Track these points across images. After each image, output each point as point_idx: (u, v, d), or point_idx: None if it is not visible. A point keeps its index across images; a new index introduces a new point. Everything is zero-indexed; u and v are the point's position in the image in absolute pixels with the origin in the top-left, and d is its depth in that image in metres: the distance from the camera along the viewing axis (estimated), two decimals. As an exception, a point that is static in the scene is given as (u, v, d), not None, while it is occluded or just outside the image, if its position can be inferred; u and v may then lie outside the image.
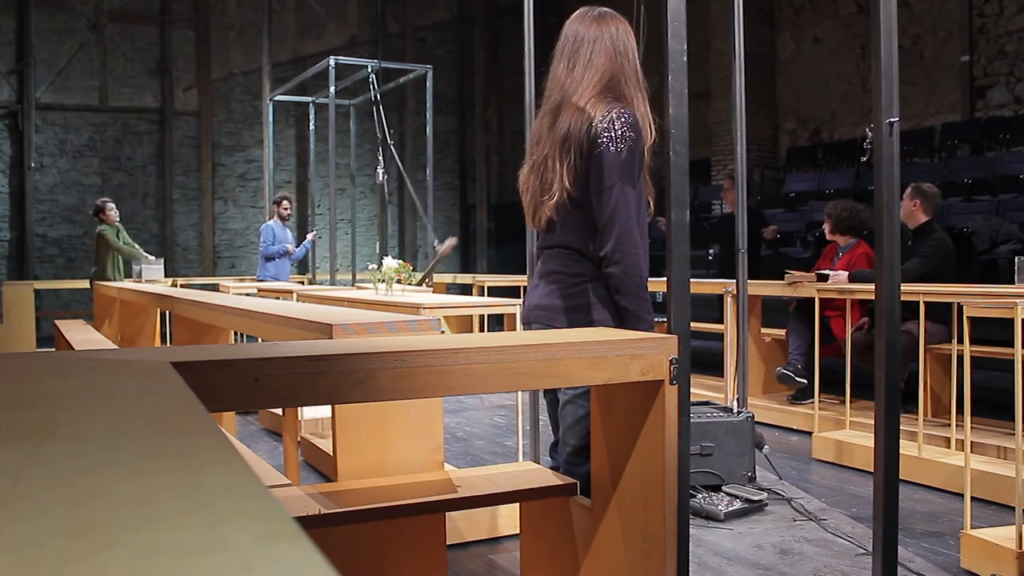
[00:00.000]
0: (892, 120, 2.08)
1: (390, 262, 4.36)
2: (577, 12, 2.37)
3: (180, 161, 12.54)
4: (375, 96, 7.44)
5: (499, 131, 14.42)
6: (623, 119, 2.18)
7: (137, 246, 8.27)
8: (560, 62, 2.33)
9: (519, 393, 3.82)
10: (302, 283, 9.27)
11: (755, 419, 3.85)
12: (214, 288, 7.58)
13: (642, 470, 1.76)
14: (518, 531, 2.54)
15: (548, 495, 2.24)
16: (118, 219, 8.19)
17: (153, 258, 7.90)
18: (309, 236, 8.73)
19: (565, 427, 2.33)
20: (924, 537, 3.22)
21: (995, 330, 4.24)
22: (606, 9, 2.37)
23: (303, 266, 11.73)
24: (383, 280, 4.42)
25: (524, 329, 2.41)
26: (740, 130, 4.15)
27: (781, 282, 5.23)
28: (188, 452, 0.59)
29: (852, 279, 4.88)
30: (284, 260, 8.00)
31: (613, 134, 2.17)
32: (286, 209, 8.03)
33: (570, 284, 2.29)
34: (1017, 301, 2.77)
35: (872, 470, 2.18)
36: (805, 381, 5.07)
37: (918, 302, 3.96)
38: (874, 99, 2.12)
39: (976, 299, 3.38)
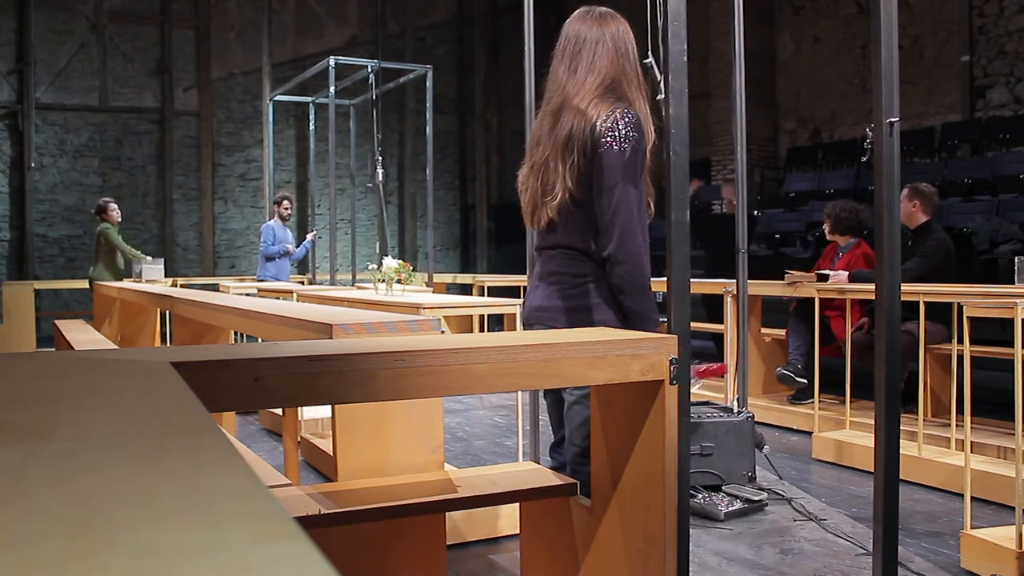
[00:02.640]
0: (892, 120, 2.08)
1: (390, 262, 4.37)
2: (577, 12, 2.37)
3: (180, 161, 12.54)
4: (373, 96, 7.44)
5: (499, 131, 14.42)
6: (627, 119, 2.18)
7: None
8: (561, 63, 2.33)
9: (519, 393, 3.82)
10: (302, 283, 9.27)
11: (755, 419, 3.85)
12: (214, 288, 7.58)
13: (642, 470, 1.76)
14: (518, 531, 2.54)
15: (548, 495, 2.24)
16: (119, 219, 8.20)
17: (151, 259, 7.90)
18: (309, 236, 8.73)
19: (572, 428, 2.33)
20: (924, 537, 3.22)
21: (995, 330, 4.24)
22: (606, 9, 2.37)
23: (303, 266, 11.73)
24: (383, 280, 4.42)
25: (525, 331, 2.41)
26: (740, 130, 4.15)
27: (781, 282, 5.23)
28: (188, 452, 0.59)
29: (852, 279, 4.88)
30: (284, 260, 8.01)
31: (617, 134, 2.17)
32: (287, 209, 8.04)
33: (572, 285, 2.29)
34: (1017, 301, 2.77)
35: (872, 470, 2.18)
36: (805, 381, 5.07)
37: (918, 302, 3.96)
38: (874, 99, 2.12)
39: (976, 299, 3.38)
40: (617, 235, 2.17)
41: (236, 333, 4.64)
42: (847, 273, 4.97)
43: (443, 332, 2.59)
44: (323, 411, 4.50)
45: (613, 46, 2.29)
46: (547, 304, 2.32)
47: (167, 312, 5.56)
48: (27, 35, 11.64)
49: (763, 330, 5.85)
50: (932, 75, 9.18)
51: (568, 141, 2.22)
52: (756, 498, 3.50)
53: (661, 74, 2.07)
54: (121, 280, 7.62)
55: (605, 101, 2.23)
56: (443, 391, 1.51)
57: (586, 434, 2.26)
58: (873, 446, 2.16)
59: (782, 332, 5.56)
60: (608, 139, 2.17)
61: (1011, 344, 2.87)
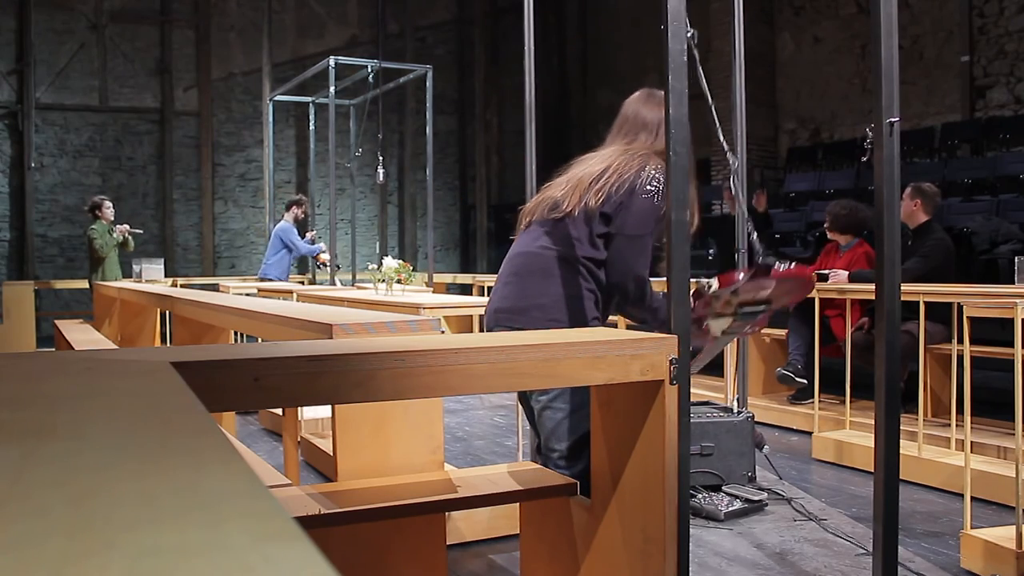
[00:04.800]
0: (892, 120, 2.08)
1: (390, 262, 4.37)
2: (640, 93, 2.49)
3: (180, 161, 12.54)
4: (374, 95, 7.45)
5: (499, 131, 14.41)
6: None
7: (114, 235, 8.12)
8: (617, 136, 2.45)
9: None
10: (302, 283, 9.27)
11: (755, 419, 3.85)
12: (214, 288, 7.58)
13: (642, 470, 1.76)
14: (518, 531, 2.54)
15: (548, 495, 2.24)
16: (113, 217, 8.20)
17: (127, 226, 8.06)
18: (309, 235, 8.75)
19: (546, 434, 2.35)
20: (924, 537, 3.22)
21: (995, 330, 4.23)
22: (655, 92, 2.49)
23: (303, 266, 11.73)
24: (383, 280, 4.42)
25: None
26: (740, 130, 4.15)
27: (781, 282, 5.22)
28: (188, 452, 0.59)
29: (852, 279, 4.88)
30: (286, 260, 8.01)
31: (661, 187, 2.26)
32: (304, 212, 8.09)
33: (528, 283, 2.32)
34: (1017, 301, 2.76)
35: (872, 470, 2.18)
36: (805, 381, 5.07)
37: (918, 302, 3.96)
38: (874, 99, 2.12)
39: (976, 299, 3.38)
40: (635, 284, 2.31)
41: (236, 333, 4.64)
42: (847, 273, 4.97)
43: (443, 332, 2.59)
44: (323, 411, 4.50)
45: (658, 126, 2.37)
46: (505, 306, 2.36)
47: (167, 312, 5.56)
48: (27, 35, 11.64)
49: (763, 330, 5.85)
50: (932, 75, 9.17)
51: (606, 169, 2.31)
52: (756, 498, 3.50)
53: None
54: (119, 280, 7.62)
55: (655, 157, 2.33)
56: (443, 391, 1.51)
57: (561, 437, 2.29)
58: (873, 446, 2.16)
59: (782, 332, 5.56)
60: (652, 188, 2.27)
61: (1011, 344, 2.87)
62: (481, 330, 4.39)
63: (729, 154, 2.36)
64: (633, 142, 2.39)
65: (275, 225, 8.26)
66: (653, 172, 2.27)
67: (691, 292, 2.18)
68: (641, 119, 2.41)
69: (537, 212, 2.39)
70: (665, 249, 1.95)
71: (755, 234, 2.31)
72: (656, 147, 2.35)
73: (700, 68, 2.28)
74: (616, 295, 2.35)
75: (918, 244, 4.80)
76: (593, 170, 2.32)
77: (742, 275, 2.22)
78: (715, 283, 2.22)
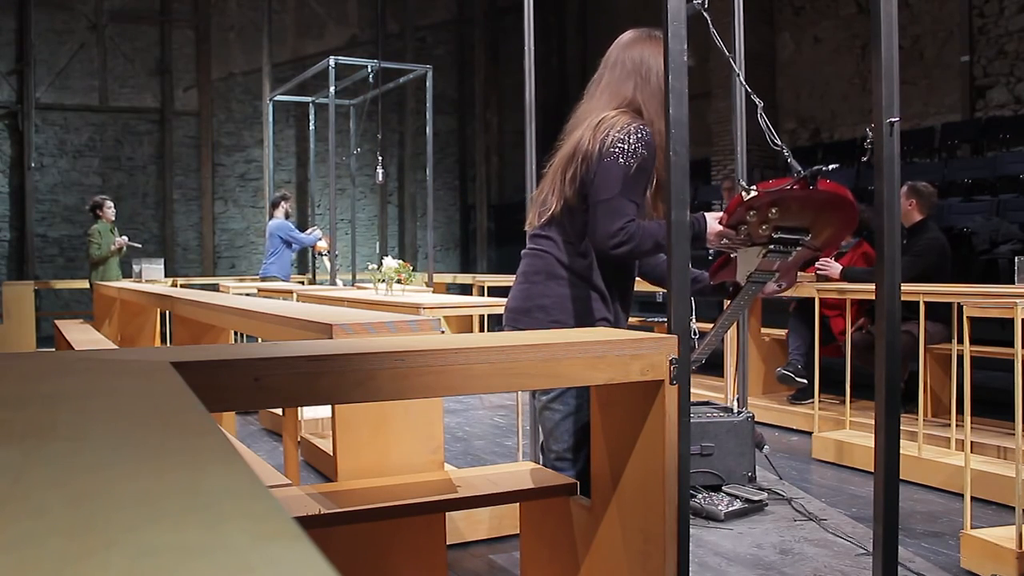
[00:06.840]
0: (892, 120, 2.07)
1: (390, 262, 4.37)
2: (625, 35, 2.40)
3: (180, 161, 12.54)
4: (374, 95, 7.45)
5: (499, 131, 14.41)
6: (639, 135, 2.16)
7: (112, 236, 8.13)
8: (588, 90, 2.37)
9: (519, 393, 3.82)
10: (302, 283, 9.28)
11: (755, 419, 3.85)
12: (214, 288, 7.58)
13: (642, 470, 1.76)
14: (518, 531, 2.54)
15: (548, 495, 2.24)
16: (114, 217, 8.20)
17: (126, 239, 8.13)
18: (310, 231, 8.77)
19: (546, 433, 2.35)
20: (924, 537, 3.22)
21: (995, 330, 4.23)
22: (640, 32, 2.37)
23: (303, 266, 11.73)
24: (383, 280, 4.42)
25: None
26: (740, 130, 4.15)
27: (781, 282, 5.22)
28: (188, 452, 0.59)
29: (845, 275, 4.88)
30: (286, 258, 8.01)
31: (627, 147, 2.15)
32: (290, 206, 8.18)
33: (532, 283, 2.32)
34: (1017, 301, 2.77)
35: (872, 470, 2.18)
36: (805, 381, 5.07)
37: (918, 302, 3.96)
38: (874, 99, 2.12)
39: (976, 299, 3.38)
40: (612, 247, 2.17)
41: (236, 333, 4.64)
42: (841, 268, 4.97)
43: (443, 332, 2.59)
44: (323, 411, 4.50)
45: (632, 68, 2.28)
46: (512, 305, 2.36)
47: (167, 312, 5.56)
48: (27, 35, 11.64)
49: (763, 330, 5.85)
50: (932, 75, 9.17)
51: (575, 151, 2.21)
52: (756, 498, 3.50)
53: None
54: (119, 280, 7.62)
55: (624, 115, 2.22)
56: (443, 391, 1.50)
57: (561, 438, 2.28)
58: (873, 446, 2.16)
59: (782, 332, 5.56)
60: (616, 151, 2.15)
61: (1011, 344, 2.87)
62: (481, 329, 4.40)
63: (754, 96, 2.29)
64: (594, 95, 2.30)
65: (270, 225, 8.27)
66: (616, 134, 2.16)
67: (732, 197, 2.05)
68: (609, 62, 2.32)
69: (535, 209, 2.38)
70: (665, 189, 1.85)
71: (791, 157, 2.18)
72: (645, 94, 2.24)
73: (713, 29, 2.21)
74: (616, 261, 2.27)
75: (912, 243, 4.80)
76: (564, 154, 2.25)
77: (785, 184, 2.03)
78: (754, 191, 2.11)
